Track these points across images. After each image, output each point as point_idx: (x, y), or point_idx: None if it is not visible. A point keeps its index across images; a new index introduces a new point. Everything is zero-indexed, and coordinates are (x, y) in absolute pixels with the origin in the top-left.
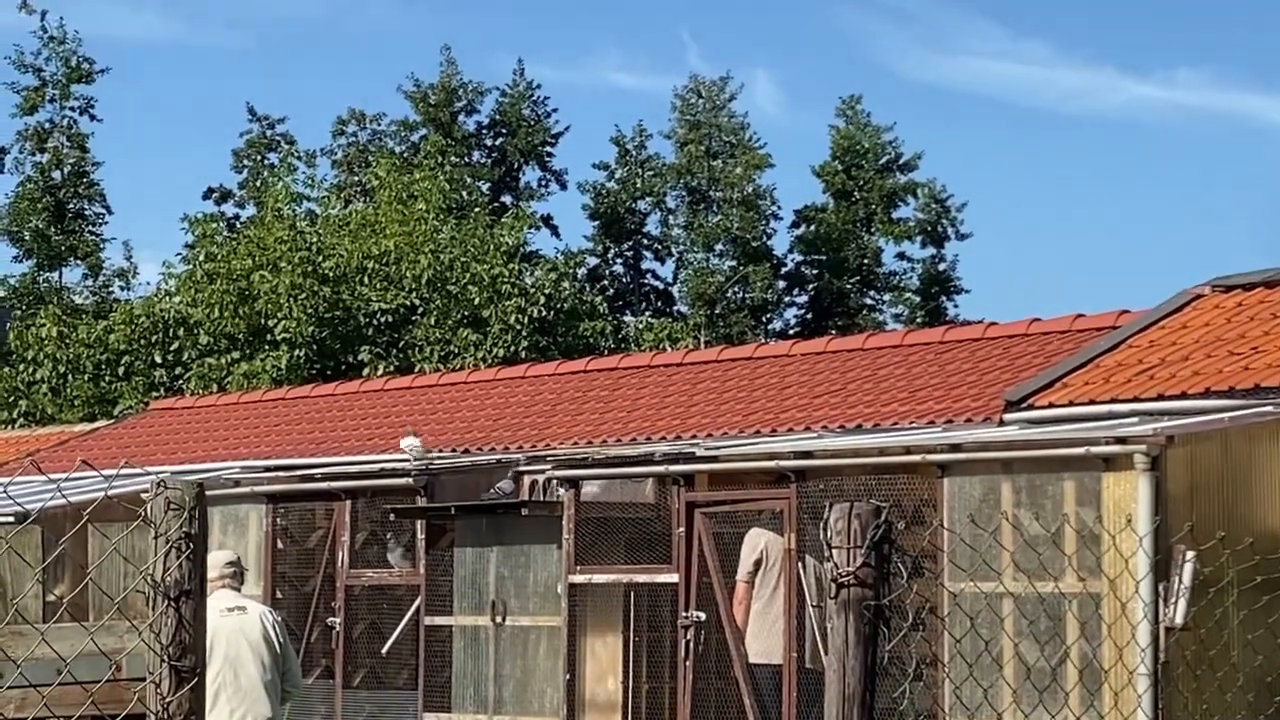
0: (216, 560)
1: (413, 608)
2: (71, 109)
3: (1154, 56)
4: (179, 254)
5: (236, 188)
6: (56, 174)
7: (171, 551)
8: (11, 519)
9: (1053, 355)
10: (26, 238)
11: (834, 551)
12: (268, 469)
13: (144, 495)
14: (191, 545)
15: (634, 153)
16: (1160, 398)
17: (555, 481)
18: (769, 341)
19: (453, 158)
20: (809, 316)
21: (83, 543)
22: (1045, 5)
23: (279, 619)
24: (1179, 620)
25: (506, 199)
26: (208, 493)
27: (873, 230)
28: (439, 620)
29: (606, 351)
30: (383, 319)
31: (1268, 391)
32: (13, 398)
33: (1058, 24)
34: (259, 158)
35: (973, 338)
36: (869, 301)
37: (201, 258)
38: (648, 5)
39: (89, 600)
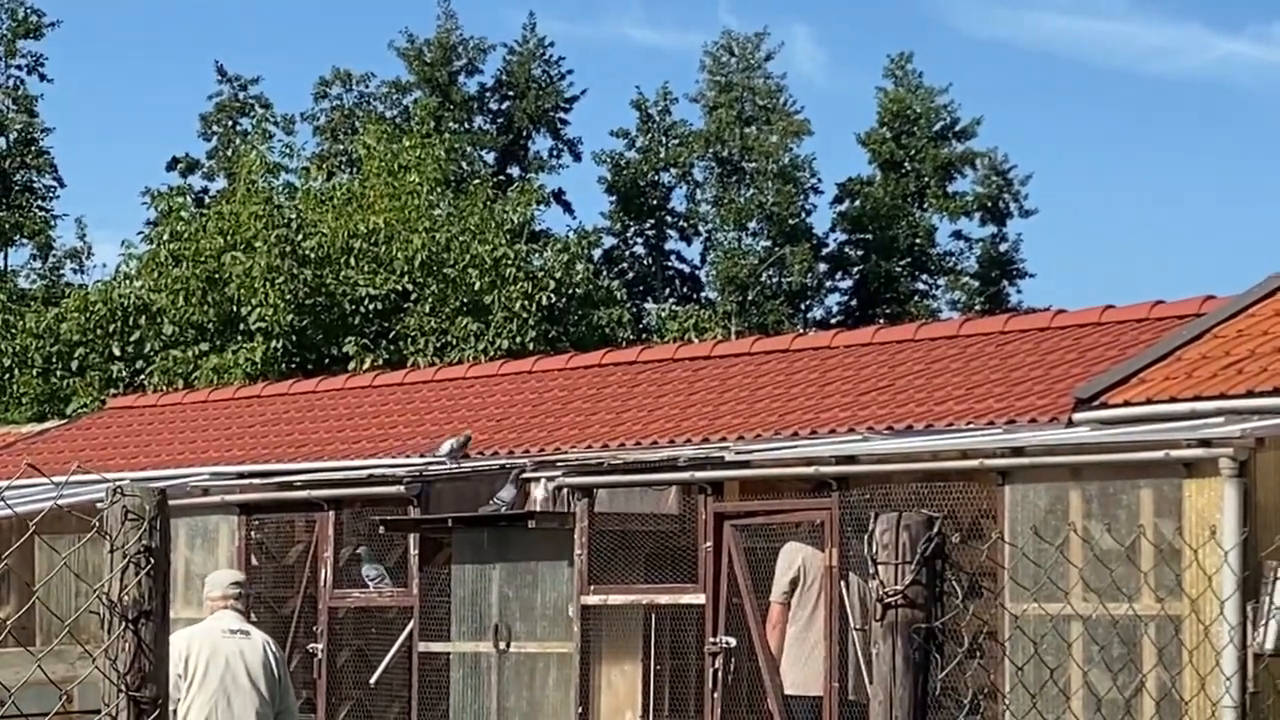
0: (220, 580)
1: (405, 632)
2: (18, 68)
3: (1246, 8)
4: (140, 233)
5: (204, 157)
6: (0, 141)
7: (129, 567)
8: None
9: (1128, 347)
10: None
11: (880, 568)
12: (240, 475)
13: (98, 504)
14: (152, 560)
15: (657, 119)
16: (1250, 395)
17: (566, 490)
18: (808, 331)
19: (451, 124)
20: (853, 303)
21: (29, 558)
22: None
23: (281, 652)
24: (1269, 646)
25: (513, 171)
26: (173, 502)
27: (925, 206)
28: (434, 647)
29: (625, 343)
30: (371, 306)
31: None
32: None
33: None
34: (230, 123)
35: (1038, 327)
36: (921, 286)
37: (165, 236)
38: None
39: (36, 622)
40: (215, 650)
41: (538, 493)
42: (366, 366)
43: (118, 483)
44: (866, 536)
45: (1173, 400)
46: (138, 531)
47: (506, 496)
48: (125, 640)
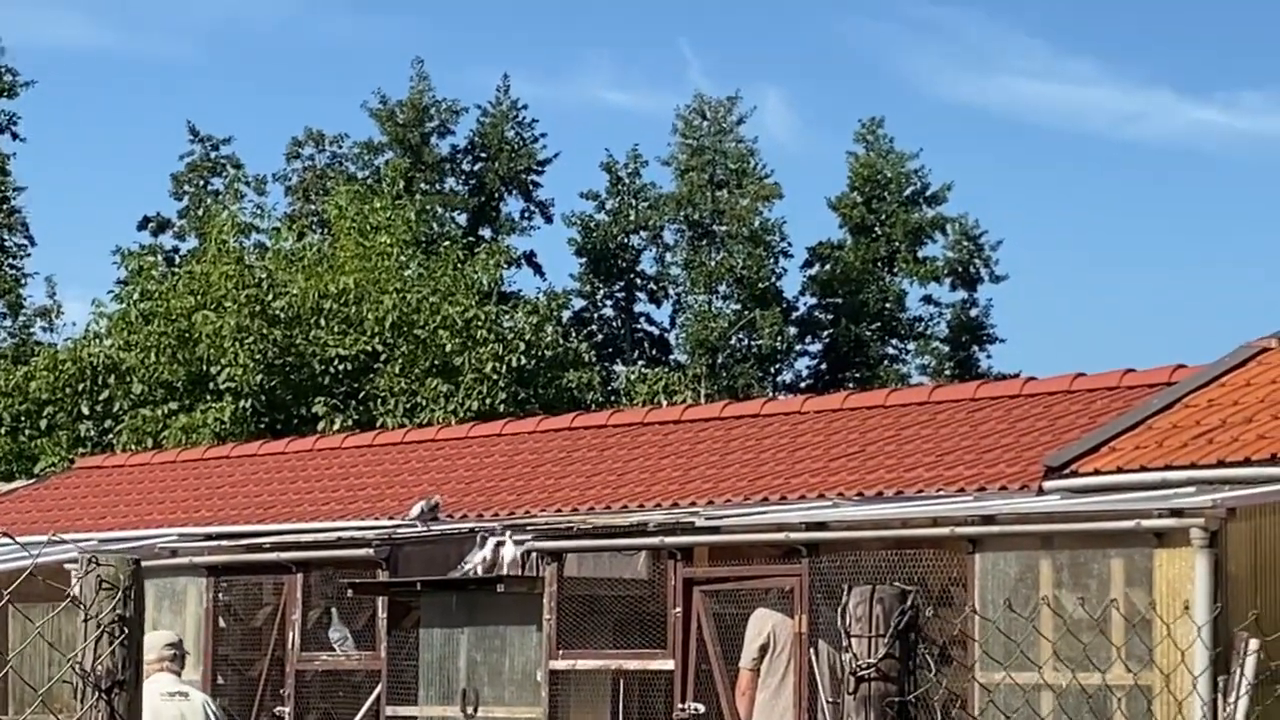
0: (155, 641)
1: (372, 696)
2: None
3: (1215, 77)
4: (110, 291)
5: (176, 217)
6: None
7: (103, 637)
8: None
9: (1099, 415)
10: None
11: (853, 640)
12: (208, 537)
13: (71, 570)
14: (126, 629)
15: (628, 181)
16: (1221, 464)
17: (535, 554)
18: (778, 396)
19: (423, 185)
20: (823, 368)
21: (1, 625)
22: (1093, 19)
23: (220, 712)
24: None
25: (485, 232)
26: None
27: (895, 271)
28: (402, 711)
29: (594, 406)
30: (340, 366)
31: None
32: None
33: (1107, 40)
34: (201, 183)
35: (1008, 394)
36: (891, 351)
37: (136, 296)
38: (645, 14)
39: (8, 691)
40: (156, 714)
41: (504, 552)
42: (336, 427)
43: (92, 549)
44: (840, 608)
45: (1144, 469)
46: (112, 601)
47: (422, 508)
48: (98, 710)
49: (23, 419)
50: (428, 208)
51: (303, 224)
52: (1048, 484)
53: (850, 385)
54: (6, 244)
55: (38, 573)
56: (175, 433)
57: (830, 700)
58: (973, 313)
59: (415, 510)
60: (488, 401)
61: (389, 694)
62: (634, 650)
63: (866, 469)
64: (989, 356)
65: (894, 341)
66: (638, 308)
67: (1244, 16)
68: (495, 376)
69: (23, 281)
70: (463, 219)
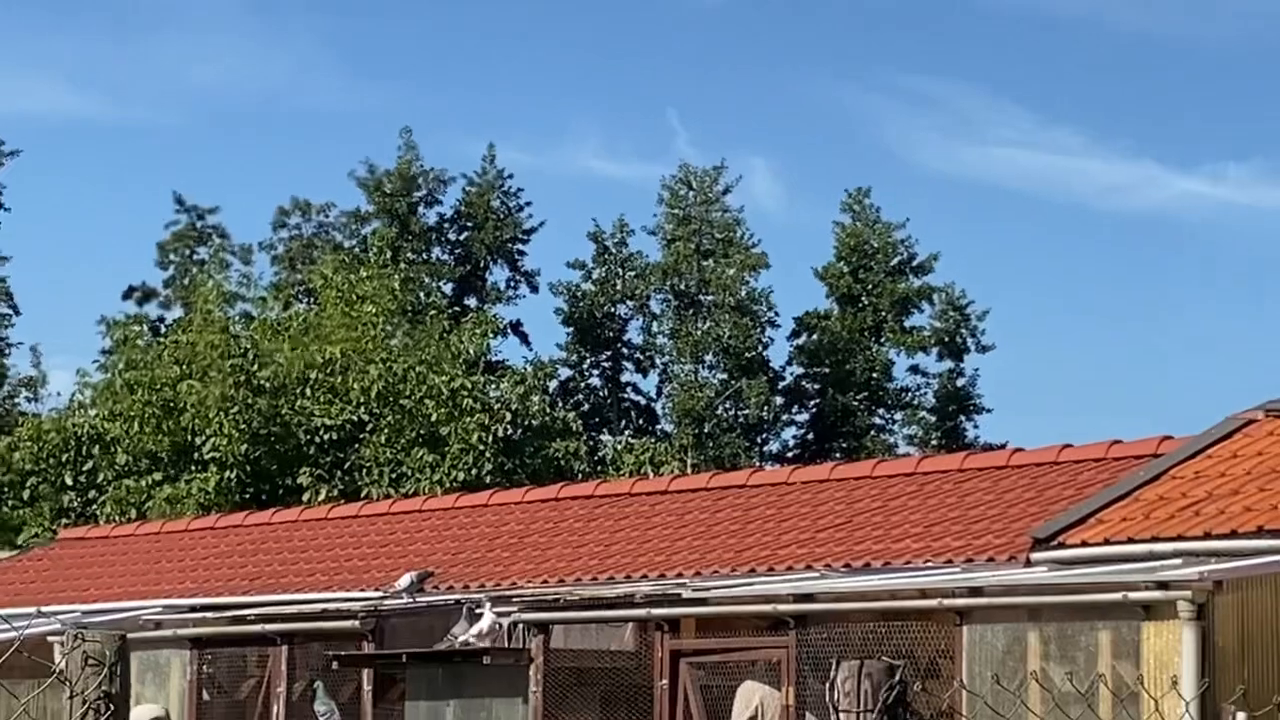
0: (141, 716)
1: None
2: None
3: (1201, 148)
4: (95, 361)
5: (161, 286)
6: None
7: (89, 713)
8: None
9: (1086, 486)
10: None
11: (841, 715)
12: (193, 609)
13: (56, 645)
14: (112, 706)
15: (614, 250)
16: (1207, 536)
17: (522, 625)
18: (765, 466)
19: (409, 254)
20: (810, 437)
21: None
22: (1078, 90)
23: None
24: None
25: (471, 302)
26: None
27: (882, 340)
28: None
29: (581, 476)
30: (326, 436)
31: None
32: None
33: (1092, 111)
34: (187, 252)
35: (996, 465)
36: (878, 421)
37: (121, 365)
38: (631, 84)
39: None
40: None
41: (483, 621)
42: (321, 498)
43: (77, 623)
44: (828, 682)
45: (1130, 541)
46: (98, 677)
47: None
48: None
49: (6, 490)
50: (413, 277)
51: (289, 293)
52: (1035, 555)
53: (837, 455)
54: None
55: (22, 648)
56: (159, 503)
57: None
58: (960, 383)
59: (404, 581)
60: (474, 471)
61: None
62: None
63: (854, 540)
64: (976, 427)
65: (881, 411)
66: (624, 377)
67: (1228, 89)
68: (481, 446)
69: (7, 351)
70: (449, 288)
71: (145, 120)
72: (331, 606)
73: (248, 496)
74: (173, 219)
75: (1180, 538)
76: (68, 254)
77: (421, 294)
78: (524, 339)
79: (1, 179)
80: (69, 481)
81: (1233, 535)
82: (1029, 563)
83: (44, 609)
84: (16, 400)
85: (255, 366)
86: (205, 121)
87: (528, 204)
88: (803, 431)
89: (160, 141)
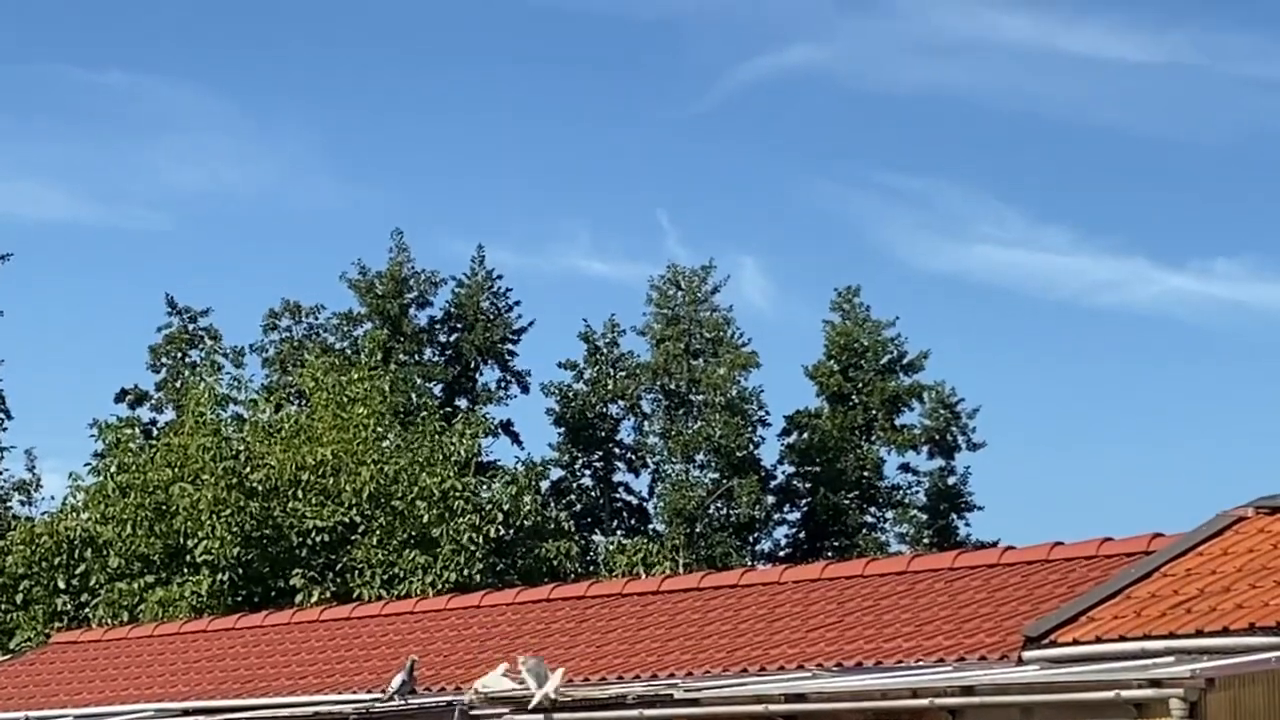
0: None
1: None
2: None
3: (1189, 245)
4: (88, 464)
5: (153, 389)
6: None
7: None
8: None
9: (1077, 584)
10: None
11: None
12: (185, 712)
13: None
14: None
15: (605, 351)
16: (1199, 634)
17: None
18: (757, 566)
19: (401, 355)
20: (801, 536)
21: None
22: (1066, 188)
23: None
24: None
25: (461, 403)
26: None
27: (873, 439)
28: None
29: (573, 576)
30: (318, 538)
31: None
32: None
33: (1080, 208)
34: (179, 355)
35: (987, 563)
36: (869, 519)
37: (113, 468)
38: (621, 183)
39: None
40: None
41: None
42: (314, 599)
43: None
44: None
45: (1122, 639)
46: None
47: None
48: None
49: None
50: (405, 378)
51: (280, 396)
52: (1027, 654)
53: (829, 554)
54: None
55: None
56: (152, 606)
57: None
58: (950, 481)
59: (395, 683)
60: (466, 572)
61: None
62: None
63: (845, 639)
64: (968, 524)
65: (872, 510)
66: (616, 477)
67: (1216, 185)
68: (473, 547)
69: (1, 455)
70: (440, 390)
71: (136, 223)
72: (324, 709)
73: (240, 599)
74: (165, 321)
75: (1172, 635)
76: (60, 357)
77: (413, 395)
78: (515, 439)
79: None
80: (62, 585)
81: (1225, 633)
82: (1021, 661)
83: (36, 714)
84: (9, 504)
85: (247, 469)
86: (196, 224)
87: (517, 304)
88: (794, 530)
89: (152, 244)
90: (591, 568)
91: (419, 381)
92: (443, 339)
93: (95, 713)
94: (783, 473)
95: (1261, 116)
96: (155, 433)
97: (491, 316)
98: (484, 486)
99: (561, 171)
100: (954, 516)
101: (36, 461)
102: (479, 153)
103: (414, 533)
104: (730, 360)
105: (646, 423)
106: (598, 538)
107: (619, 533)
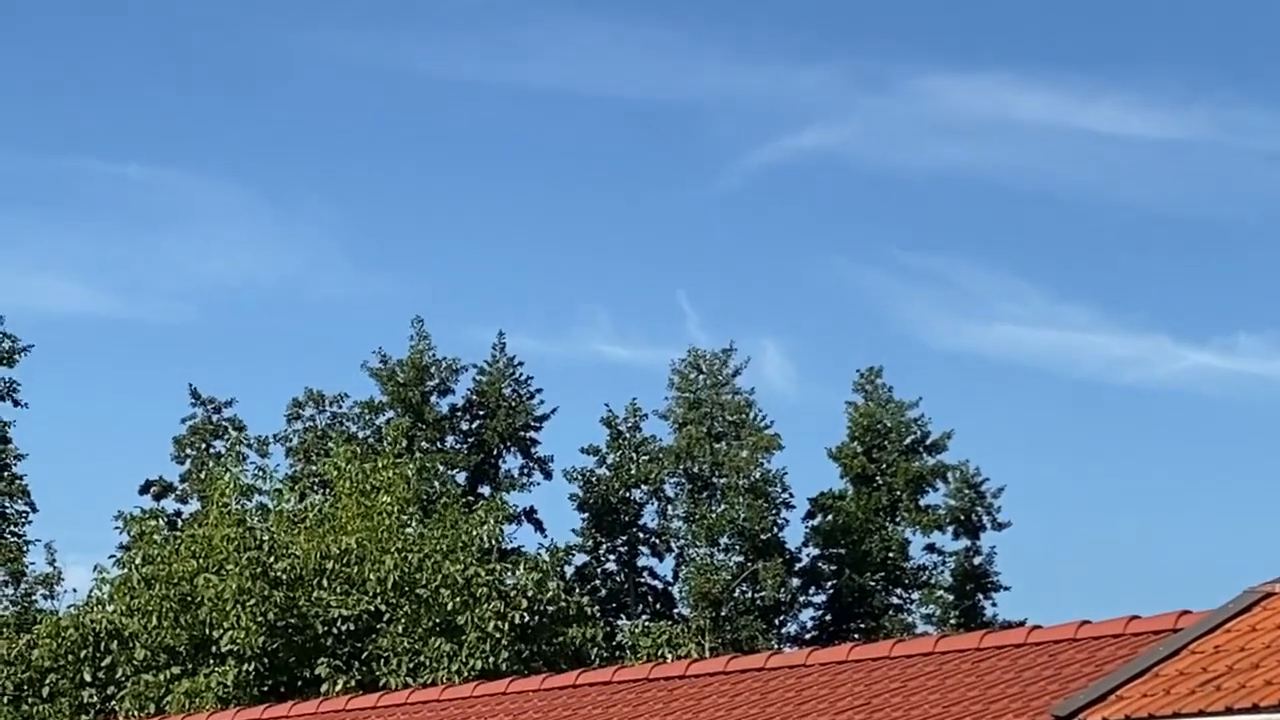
0: None
1: None
2: None
3: (1211, 321)
4: (112, 556)
5: (178, 480)
6: None
7: None
8: None
9: (1105, 663)
10: None
11: None
12: None
13: None
14: None
15: (628, 435)
16: (1229, 711)
17: None
18: (783, 649)
19: (423, 443)
20: (828, 619)
21: None
22: (1086, 265)
23: None
24: None
25: (484, 490)
26: None
27: (898, 520)
28: None
29: (598, 661)
30: (343, 627)
31: None
32: None
33: (1101, 286)
34: (203, 446)
35: (1014, 643)
36: (895, 601)
37: (138, 560)
38: (641, 268)
39: None
40: None
41: None
42: (339, 689)
43: None
44: None
45: (1151, 718)
46: None
47: None
48: None
49: (25, 687)
50: (428, 466)
51: (304, 485)
52: None
53: (855, 636)
54: (8, 511)
55: None
56: (178, 698)
57: None
58: (976, 561)
59: None
60: (491, 660)
61: None
62: None
63: None
64: (994, 605)
65: (898, 591)
66: (640, 561)
67: (1238, 261)
68: (498, 634)
69: (24, 549)
70: (462, 477)
71: (158, 314)
72: None
73: (266, 689)
74: (188, 413)
75: (1202, 714)
76: (84, 450)
77: (436, 483)
78: (538, 526)
79: (16, 375)
80: (87, 678)
81: (1255, 710)
82: None
83: None
84: (34, 598)
85: (272, 559)
86: (218, 314)
87: (539, 391)
88: (820, 613)
89: (174, 335)
90: (617, 653)
91: (441, 469)
92: (465, 426)
93: None
94: (808, 555)
95: None
96: (180, 524)
97: (514, 403)
98: (508, 573)
99: (581, 256)
100: (980, 597)
101: (58, 555)
102: (498, 239)
103: (439, 620)
104: (753, 443)
105: (670, 507)
106: (623, 622)
107: (644, 617)
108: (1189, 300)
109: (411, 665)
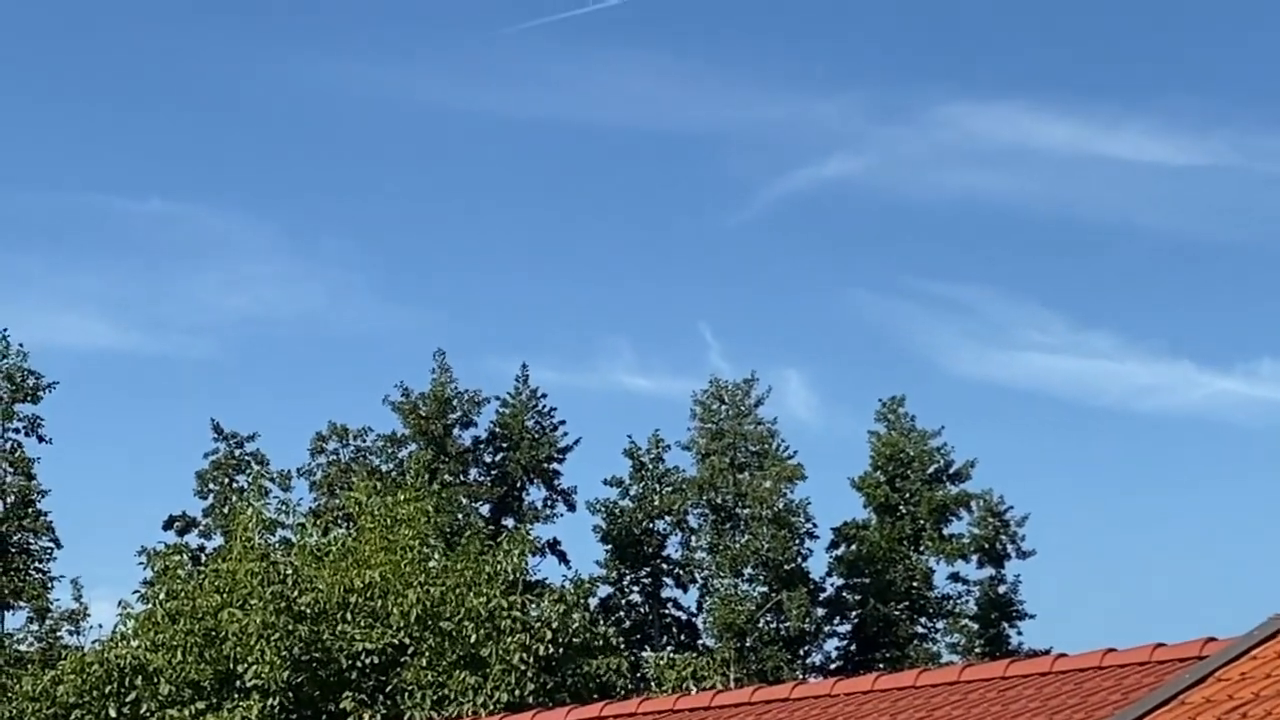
0: None
1: None
2: (15, 430)
3: (1234, 348)
4: (136, 592)
5: (201, 515)
6: None
7: None
8: None
9: (1131, 691)
10: None
11: None
12: None
13: None
14: None
15: (650, 466)
16: None
17: None
18: (808, 679)
19: (446, 476)
20: (852, 648)
21: None
22: (1108, 293)
23: None
24: None
25: (508, 522)
26: None
27: (922, 549)
28: None
29: (623, 692)
30: (368, 660)
31: None
32: None
33: (1123, 313)
34: (226, 480)
35: (1039, 671)
36: (920, 630)
37: (162, 595)
38: (663, 299)
39: None
40: None
41: None
42: None
43: None
44: None
45: None
46: None
47: None
48: None
49: None
50: (450, 499)
51: (327, 519)
52: None
53: (881, 666)
54: (33, 548)
55: None
56: None
57: None
58: (1001, 589)
59: None
60: (516, 692)
61: None
62: None
63: None
64: (1019, 633)
65: (923, 620)
66: (664, 593)
67: (1260, 286)
68: (523, 666)
69: (50, 585)
70: (486, 510)
71: (181, 350)
72: None
73: None
74: (211, 447)
75: None
76: (108, 486)
77: (459, 515)
78: (562, 558)
79: (41, 412)
80: (113, 713)
81: None
82: None
83: None
84: (59, 634)
85: (295, 593)
86: (240, 349)
87: (562, 423)
88: (845, 643)
89: (196, 370)
90: (642, 684)
91: (465, 502)
92: (488, 459)
93: None
94: (832, 585)
95: None
96: (203, 559)
97: (536, 435)
98: (532, 605)
99: (603, 287)
100: (1005, 625)
101: (83, 591)
102: (520, 270)
103: (463, 653)
104: (776, 473)
105: (693, 538)
106: (647, 653)
107: (668, 648)
108: (1212, 327)
109: (436, 698)
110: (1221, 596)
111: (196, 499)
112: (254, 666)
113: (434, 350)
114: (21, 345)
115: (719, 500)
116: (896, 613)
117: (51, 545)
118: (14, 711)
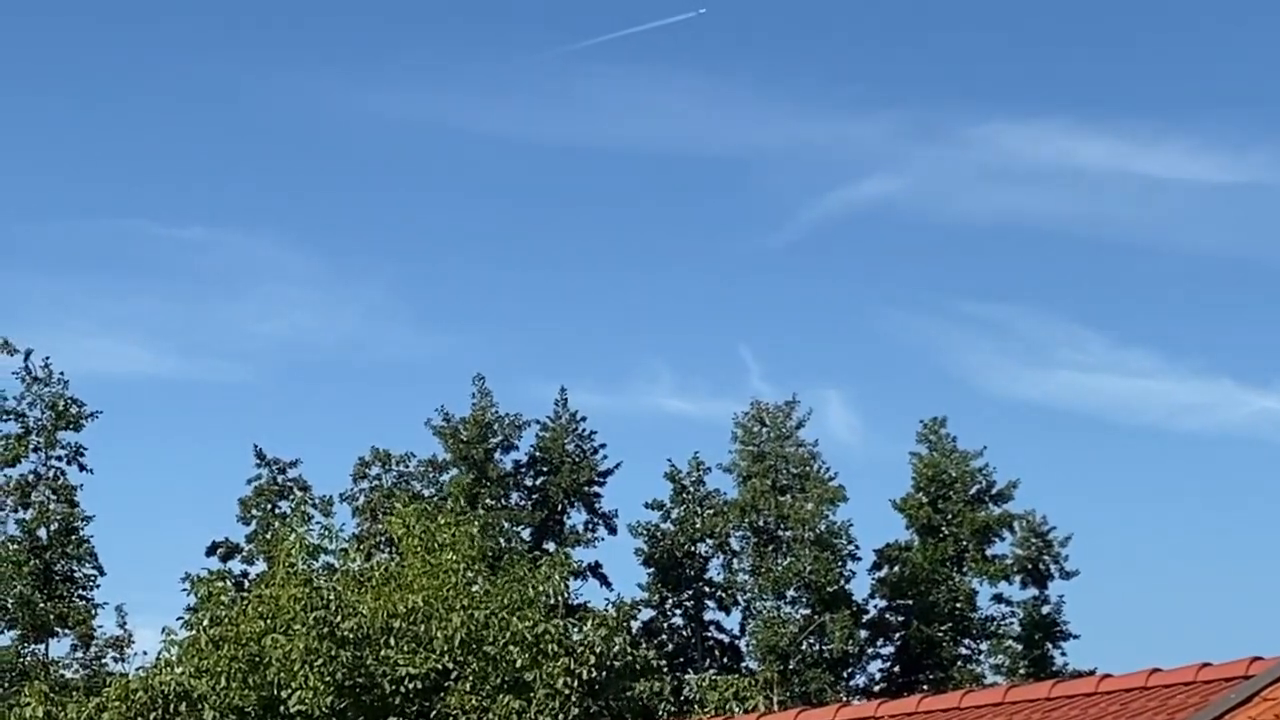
0: None
1: None
2: (58, 458)
3: (1275, 364)
4: (180, 618)
5: (244, 541)
6: (42, 532)
7: None
8: None
9: (1176, 711)
10: (10, 605)
11: None
12: None
13: None
14: None
15: (691, 489)
16: None
17: None
18: (852, 701)
19: (488, 500)
20: (896, 670)
21: None
22: (1147, 311)
23: None
24: None
25: (549, 546)
26: None
27: (965, 570)
28: None
29: (667, 715)
30: (411, 685)
31: None
32: None
33: (1163, 331)
34: (269, 506)
35: (1084, 692)
36: (964, 651)
37: (206, 622)
38: (703, 321)
39: None
40: None
41: None
42: None
43: None
44: None
45: None
46: None
47: None
48: None
49: None
50: (492, 523)
51: (370, 544)
52: None
53: (924, 687)
54: (76, 575)
55: None
56: None
57: None
58: (1045, 610)
59: None
60: (560, 716)
61: None
62: None
63: None
64: (1063, 654)
65: (966, 641)
66: (707, 615)
67: None
68: (567, 690)
69: (94, 612)
70: (527, 534)
71: (220, 375)
72: None
73: None
74: (254, 474)
75: None
76: (151, 513)
77: (501, 539)
78: (604, 581)
79: (83, 440)
80: None
81: None
82: None
83: None
84: (104, 661)
85: (338, 618)
86: (281, 375)
87: (602, 446)
88: (889, 664)
89: (236, 396)
90: (685, 707)
91: (506, 526)
92: (529, 482)
93: None
94: (875, 607)
95: None
96: (247, 585)
97: (577, 459)
98: (575, 629)
99: (642, 310)
100: (1049, 646)
101: (127, 618)
102: (559, 295)
103: (507, 677)
104: (818, 495)
105: (735, 560)
106: (690, 676)
107: (711, 671)
108: (1252, 344)
109: None
110: (1267, 615)
111: (239, 525)
112: (298, 692)
113: (473, 375)
114: (63, 373)
115: (761, 523)
116: (940, 634)
117: (95, 572)
118: None
